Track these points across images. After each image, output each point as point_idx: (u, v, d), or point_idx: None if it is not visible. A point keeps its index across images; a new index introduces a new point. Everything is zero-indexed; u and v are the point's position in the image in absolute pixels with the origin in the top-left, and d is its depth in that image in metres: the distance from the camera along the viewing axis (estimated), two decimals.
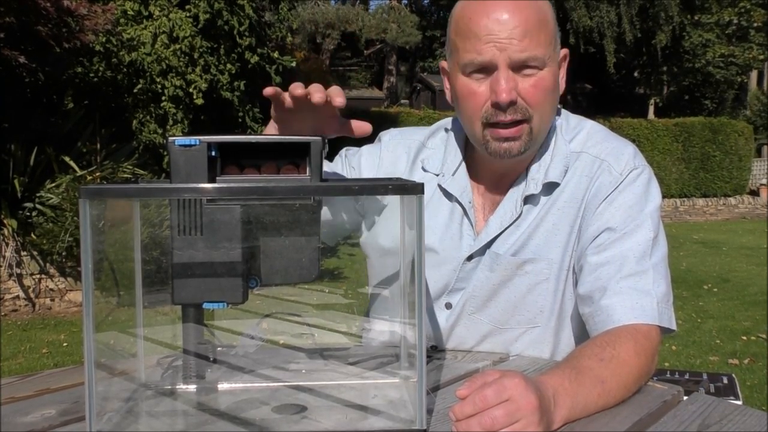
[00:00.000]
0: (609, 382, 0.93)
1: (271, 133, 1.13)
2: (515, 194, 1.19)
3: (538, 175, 1.18)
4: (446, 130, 1.30)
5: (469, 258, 1.20)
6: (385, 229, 1.24)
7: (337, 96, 1.00)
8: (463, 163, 1.24)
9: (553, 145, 1.20)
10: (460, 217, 1.22)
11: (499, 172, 1.21)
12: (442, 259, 1.21)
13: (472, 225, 1.21)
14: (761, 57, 18.10)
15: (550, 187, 1.18)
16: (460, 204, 1.22)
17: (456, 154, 1.25)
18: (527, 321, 1.19)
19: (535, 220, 1.17)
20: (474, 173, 1.24)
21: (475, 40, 1.09)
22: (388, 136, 1.34)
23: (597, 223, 1.13)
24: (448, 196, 1.22)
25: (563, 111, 1.26)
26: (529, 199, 1.18)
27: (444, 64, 1.21)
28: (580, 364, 0.95)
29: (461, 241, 1.21)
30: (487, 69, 1.09)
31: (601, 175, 1.16)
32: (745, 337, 5.03)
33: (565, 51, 1.18)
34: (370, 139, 1.23)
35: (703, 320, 5.60)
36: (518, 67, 1.09)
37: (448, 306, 1.22)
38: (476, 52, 1.09)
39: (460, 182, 1.22)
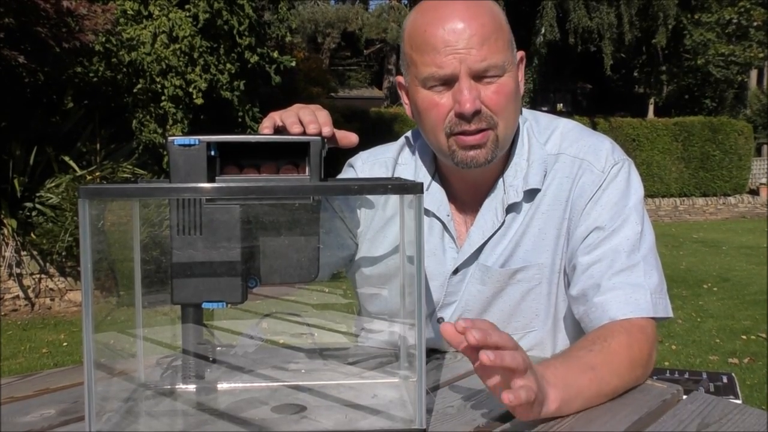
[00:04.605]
0: (600, 369, 0.93)
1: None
2: (493, 203, 1.17)
3: (516, 181, 1.17)
4: (413, 143, 1.28)
5: (455, 271, 1.19)
6: (380, 241, 1.22)
7: (326, 125, 0.97)
8: (436, 177, 1.22)
9: (527, 149, 1.18)
10: (440, 232, 1.20)
11: (472, 182, 1.19)
12: (428, 275, 1.20)
13: (453, 238, 1.20)
14: (761, 55, 18.08)
15: (531, 193, 1.16)
16: (438, 218, 1.20)
17: (427, 168, 1.23)
18: (523, 326, 1.19)
19: (520, 227, 1.16)
20: (447, 186, 1.22)
21: (434, 53, 1.07)
22: (359, 160, 1.31)
23: (585, 224, 1.13)
24: (425, 211, 1.18)
25: (531, 111, 1.25)
26: (511, 208, 1.16)
27: (400, 79, 1.18)
28: (569, 353, 0.97)
29: (444, 255, 1.20)
30: (448, 81, 1.08)
31: (583, 175, 1.15)
32: (744, 337, 5.04)
33: (521, 53, 1.16)
34: (355, 150, 1.20)
35: (702, 319, 5.60)
36: (479, 75, 1.07)
37: (441, 320, 1.22)
38: (436, 65, 1.07)
39: (435, 196, 1.21)
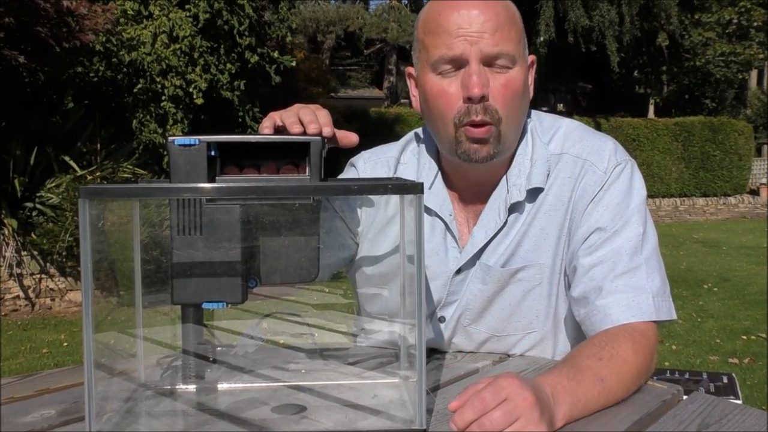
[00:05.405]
0: (608, 380, 0.93)
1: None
2: (496, 203, 1.17)
3: (519, 181, 1.16)
4: (416, 142, 1.28)
5: (458, 271, 1.19)
6: (381, 241, 1.22)
7: (326, 125, 0.97)
8: (439, 175, 1.22)
9: (531, 149, 1.18)
10: (443, 232, 1.20)
11: (476, 181, 1.19)
12: (431, 275, 1.20)
13: (455, 238, 1.19)
14: (761, 56, 18.09)
15: (534, 193, 1.16)
16: (441, 218, 1.19)
17: (430, 167, 1.22)
18: (524, 327, 1.19)
19: (522, 227, 1.16)
20: (450, 185, 1.21)
21: (445, 36, 1.07)
22: (361, 160, 1.30)
23: (586, 224, 1.13)
24: (427, 210, 1.19)
25: (535, 112, 1.24)
26: (514, 207, 1.16)
27: (410, 69, 1.18)
28: (579, 363, 0.96)
29: (447, 255, 1.19)
30: (457, 63, 1.08)
31: (585, 176, 1.15)
32: (745, 337, 5.04)
33: (532, 57, 1.17)
34: (356, 150, 1.20)
35: (703, 320, 5.60)
36: (489, 62, 1.07)
37: (442, 320, 1.22)
38: (446, 46, 1.07)
39: (438, 196, 1.20)
